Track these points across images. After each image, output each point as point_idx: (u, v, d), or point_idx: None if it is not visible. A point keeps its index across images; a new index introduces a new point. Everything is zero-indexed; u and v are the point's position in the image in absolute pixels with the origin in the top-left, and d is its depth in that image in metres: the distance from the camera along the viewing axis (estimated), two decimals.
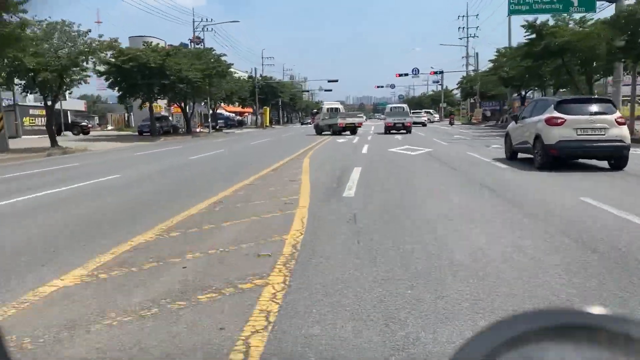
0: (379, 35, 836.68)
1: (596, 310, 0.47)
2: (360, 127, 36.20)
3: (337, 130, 34.41)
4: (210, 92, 43.43)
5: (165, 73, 32.23)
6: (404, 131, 36.44)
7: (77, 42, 22.96)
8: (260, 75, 67.75)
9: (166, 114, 49.98)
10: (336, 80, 67.97)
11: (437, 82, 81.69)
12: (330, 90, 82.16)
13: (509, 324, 0.47)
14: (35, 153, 20.45)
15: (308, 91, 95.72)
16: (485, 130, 40.19)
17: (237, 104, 69.07)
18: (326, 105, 37.26)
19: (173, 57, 34.51)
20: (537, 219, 6.03)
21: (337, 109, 36.71)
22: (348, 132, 34.57)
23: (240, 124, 71.00)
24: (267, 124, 71.03)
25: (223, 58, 42.92)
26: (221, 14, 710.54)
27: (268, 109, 71.86)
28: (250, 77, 67.48)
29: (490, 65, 45.86)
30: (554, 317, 0.47)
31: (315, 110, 39.79)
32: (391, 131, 36.83)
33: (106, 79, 32.84)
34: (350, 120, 35.75)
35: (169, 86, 34.51)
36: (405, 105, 42.33)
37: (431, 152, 17.64)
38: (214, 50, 42.18)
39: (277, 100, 75.72)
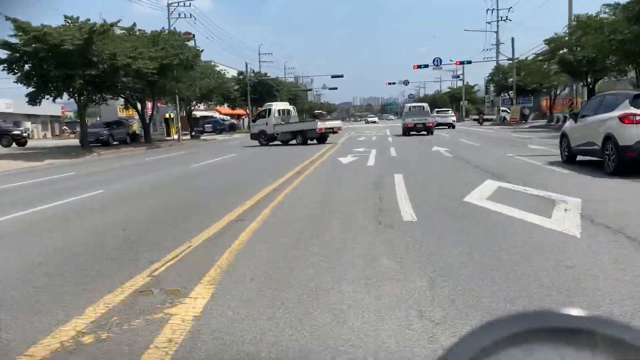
0: (389, 32, 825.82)
1: (579, 312, 0.48)
2: (339, 131, 27.33)
3: (313, 137, 25.41)
4: (178, 88, 33.42)
5: (91, 60, 22.27)
6: (425, 132, 31.97)
7: None
8: (253, 71, 57.86)
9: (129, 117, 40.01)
10: (341, 76, 57.04)
11: (458, 77, 71.38)
12: (336, 89, 72.66)
13: (496, 326, 0.48)
14: None
15: (310, 90, 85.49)
16: (531, 131, 29.94)
17: (226, 105, 59.17)
18: (277, 107, 27.95)
19: (112, 40, 24.62)
20: None
21: (289, 111, 28.32)
22: (315, 141, 25.47)
23: (232, 129, 61.09)
24: None
25: (198, 46, 33.10)
26: (226, 15, 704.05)
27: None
28: (240, 73, 57.52)
29: (539, 49, 35.50)
30: (538, 319, 0.48)
31: (258, 113, 29.80)
32: (411, 132, 32.09)
33: (9, 70, 22.88)
34: (330, 124, 26.29)
35: (105, 80, 24.58)
36: (425, 104, 37.04)
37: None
38: (180, 34, 32.13)
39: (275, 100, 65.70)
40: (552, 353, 0.45)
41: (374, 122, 78.37)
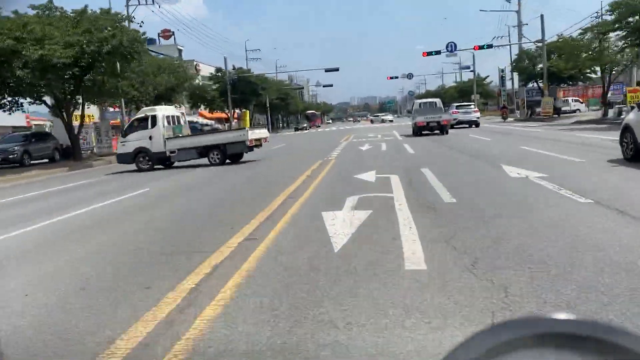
0: (385, 29, 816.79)
1: (573, 317, 0.48)
2: (264, 143, 18.46)
3: (238, 153, 17.22)
4: (119, 86, 25.26)
5: None
6: (438, 131, 27.73)
7: None
8: (234, 67, 49.74)
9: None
10: (336, 69, 48.85)
11: (468, 67, 63.31)
12: (331, 85, 64.52)
13: (493, 332, 0.48)
14: None
15: (302, 88, 77.22)
16: (588, 129, 21.75)
17: (203, 107, 50.99)
18: (163, 112, 18.08)
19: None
20: None
21: (178, 119, 18.77)
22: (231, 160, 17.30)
23: None
24: None
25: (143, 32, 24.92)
26: (221, 20, 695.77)
27: (248, 112, 53.67)
28: (219, 70, 49.38)
29: (587, 23, 27.37)
30: (537, 324, 0.48)
31: (129, 123, 20.56)
32: (423, 132, 27.84)
33: None
34: (258, 134, 17.65)
35: None
36: (437, 100, 32.33)
37: None
38: (119, 14, 23.94)
39: (263, 101, 57.68)
40: (547, 358, 0.45)
41: (390, 120, 69.06)
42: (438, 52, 40.61)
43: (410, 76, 63.82)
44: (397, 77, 63.34)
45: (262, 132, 18.19)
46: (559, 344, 0.46)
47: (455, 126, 32.27)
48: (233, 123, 50.06)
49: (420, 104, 31.32)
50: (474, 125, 32.16)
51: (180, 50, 75.41)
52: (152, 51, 63.99)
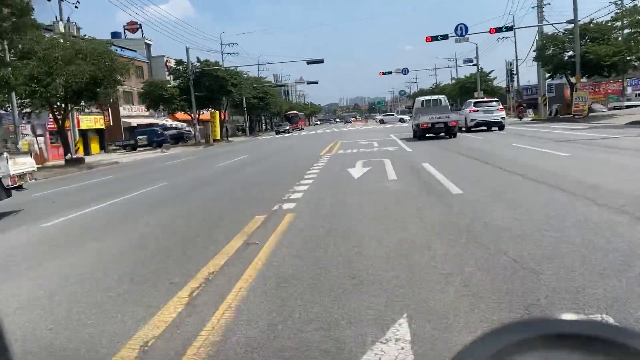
0: (374, 30, 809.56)
1: (581, 318, 0.48)
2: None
3: None
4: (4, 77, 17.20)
5: None
6: (444, 134, 22.12)
7: None
8: (198, 60, 41.60)
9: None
10: (320, 61, 40.69)
11: (471, 61, 55.82)
12: (316, 82, 56.34)
13: (501, 334, 0.48)
14: None
15: (284, 85, 69.17)
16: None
17: (161, 107, 42.85)
18: None
19: None
20: None
21: None
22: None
23: (179, 139, 44.95)
24: (216, 137, 44.83)
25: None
26: (209, 22, 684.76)
27: (217, 113, 45.74)
28: (179, 63, 41.29)
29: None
30: (545, 326, 0.48)
31: None
32: (427, 135, 22.16)
33: None
34: (20, 166, 9.22)
35: None
36: (443, 97, 26.64)
37: None
38: None
39: (236, 99, 49.74)
40: (557, 358, 0.46)
41: (402, 120, 60.04)
42: (445, 37, 32.89)
43: (405, 71, 56.30)
44: (390, 73, 55.92)
45: (24, 164, 9.85)
46: (567, 345, 0.46)
47: (473, 129, 24.70)
48: (197, 127, 41.96)
49: (422, 101, 25.82)
50: (496, 128, 24.57)
51: (148, 45, 67.26)
52: (120, 47, 55.77)
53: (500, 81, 62.19)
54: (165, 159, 26.02)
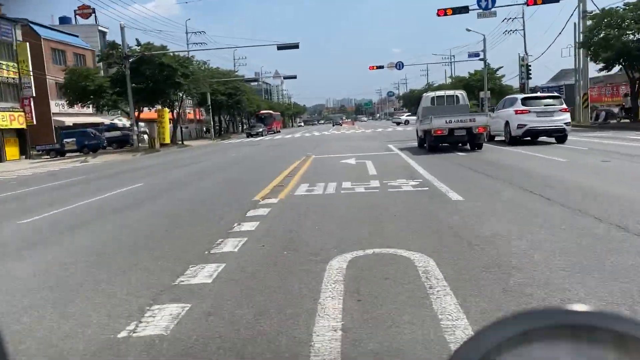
0: (361, 30, 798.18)
1: (590, 309, 0.48)
2: None
3: None
4: None
5: None
6: (469, 146, 16.14)
7: None
8: (139, 43, 32.01)
9: None
10: (295, 46, 31.36)
11: (477, 55, 47.22)
12: (295, 77, 48.46)
13: (506, 324, 0.48)
14: None
15: (257, 80, 59.68)
16: None
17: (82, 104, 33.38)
18: None
19: None
20: None
21: None
22: None
23: (125, 143, 35.42)
24: (165, 141, 35.48)
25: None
26: (195, 19, 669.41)
27: (167, 111, 36.41)
28: (113, 46, 31.82)
29: None
30: (549, 316, 0.48)
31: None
32: (442, 144, 16.04)
33: None
34: None
35: None
36: (461, 93, 19.06)
37: None
38: None
39: (194, 95, 40.49)
40: (563, 349, 0.46)
41: (407, 123, 50.38)
42: (464, 9, 24.16)
43: (399, 65, 47.45)
44: (381, 67, 47.14)
45: None
46: (574, 336, 0.46)
47: (522, 138, 16.02)
48: (137, 128, 32.54)
49: (433, 98, 18.44)
50: (559, 137, 15.80)
51: (103, 33, 57.54)
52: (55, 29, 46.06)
53: (508, 79, 53.85)
54: (65, 174, 16.88)
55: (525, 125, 15.62)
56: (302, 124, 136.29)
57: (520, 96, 16.68)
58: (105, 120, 42.52)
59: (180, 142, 37.83)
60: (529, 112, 15.69)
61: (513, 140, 16.12)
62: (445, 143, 16.14)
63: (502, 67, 51.03)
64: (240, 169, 14.53)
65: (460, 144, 16.40)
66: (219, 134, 55.75)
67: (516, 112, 15.89)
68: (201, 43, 51.75)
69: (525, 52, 45.15)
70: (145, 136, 35.36)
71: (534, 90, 39.07)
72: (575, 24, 28.01)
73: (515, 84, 50.85)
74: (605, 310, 0.46)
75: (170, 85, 31.95)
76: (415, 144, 19.01)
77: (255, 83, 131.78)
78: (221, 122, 59.24)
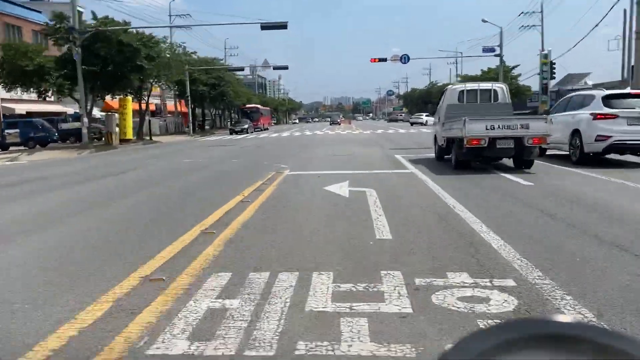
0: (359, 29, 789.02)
1: (572, 320, 0.48)
2: None
3: None
4: None
5: None
6: (516, 164, 10.98)
7: None
8: (95, 17, 26.29)
9: None
10: (284, 26, 25.89)
11: (492, 50, 41.78)
12: (286, 68, 41.90)
13: (487, 334, 0.48)
14: None
15: (242, 69, 53.96)
16: None
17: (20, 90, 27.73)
18: None
19: None
20: None
21: None
22: None
23: (47, 141, 29.30)
24: (127, 136, 29.99)
25: None
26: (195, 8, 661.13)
27: (130, 100, 31.00)
28: (58, 16, 26.17)
29: None
30: (530, 326, 0.48)
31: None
32: (477, 160, 11.00)
33: None
34: None
35: None
36: (500, 87, 13.71)
37: None
38: None
39: (166, 82, 35.06)
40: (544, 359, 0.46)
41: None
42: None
43: (405, 59, 41.93)
44: (384, 60, 41.78)
45: None
46: (555, 347, 0.46)
47: (602, 155, 10.75)
48: (87, 120, 27.02)
49: (461, 92, 13.43)
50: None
51: (80, 13, 51.76)
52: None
53: (524, 79, 48.58)
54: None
55: (609, 137, 10.28)
56: (297, 121, 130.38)
57: (600, 93, 11.28)
58: (70, 109, 36.87)
59: (147, 137, 32.30)
60: (617, 117, 10.35)
61: (584, 158, 10.81)
62: (482, 156, 10.97)
63: (518, 65, 45.56)
64: (150, 201, 9.05)
65: (503, 157, 11.19)
66: (202, 129, 50.18)
67: (596, 116, 10.54)
68: (186, 26, 46.01)
69: (542, 48, 40.11)
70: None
71: (558, 93, 33.74)
72: (625, 10, 22.74)
73: (532, 84, 45.80)
74: (587, 322, 0.46)
75: (132, 70, 26.42)
76: (427, 152, 13.76)
77: (250, 77, 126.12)
78: (204, 116, 53.63)
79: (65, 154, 23.56)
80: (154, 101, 62.17)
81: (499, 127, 10.41)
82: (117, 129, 28.91)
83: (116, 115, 30.91)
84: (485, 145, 10.43)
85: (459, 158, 11.01)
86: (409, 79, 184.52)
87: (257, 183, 9.19)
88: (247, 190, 8.30)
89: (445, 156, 13.27)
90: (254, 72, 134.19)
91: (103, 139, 29.10)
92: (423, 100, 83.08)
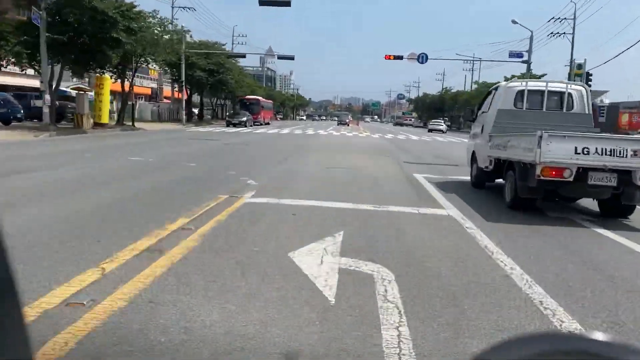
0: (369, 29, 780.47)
1: (598, 336, 0.46)
2: None
3: None
4: None
5: None
6: (614, 212, 6.94)
7: None
8: None
9: None
10: (287, 3, 21.50)
11: (520, 55, 37.55)
12: (292, 58, 37.78)
13: (497, 351, 0.47)
14: None
15: (243, 56, 49.88)
16: None
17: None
18: None
19: None
20: None
21: None
22: None
23: (9, 118, 25.09)
24: (102, 120, 26.06)
25: None
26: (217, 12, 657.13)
27: (109, 79, 27.12)
28: None
29: None
30: (544, 341, 0.47)
31: None
32: (549, 199, 7.10)
33: None
34: None
35: None
36: (577, 89, 9.13)
37: None
38: None
39: (152, 61, 31.20)
40: None
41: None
42: None
43: (422, 58, 37.75)
44: (400, 58, 37.72)
45: None
46: None
47: None
48: (47, 98, 23.11)
49: (520, 93, 9.00)
50: None
51: None
52: None
53: None
54: None
55: None
56: (305, 117, 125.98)
57: None
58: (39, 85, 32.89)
59: (129, 124, 28.35)
60: None
61: None
62: (557, 197, 7.07)
63: (545, 74, 41.23)
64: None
65: (597, 198, 7.22)
66: (200, 119, 46.18)
67: None
68: (190, 8, 42.05)
69: (571, 57, 36.28)
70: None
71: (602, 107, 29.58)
72: None
73: None
74: (615, 339, 0.43)
75: (108, 43, 22.47)
76: (454, 171, 9.97)
77: (260, 68, 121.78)
78: (203, 105, 49.58)
79: (17, 136, 19.62)
80: (151, 85, 58.28)
81: (595, 151, 6.45)
82: (88, 111, 25.01)
83: (90, 94, 27.00)
84: (571, 178, 6.47)
85: (521, 194, 7.02)
86: (421, 83, 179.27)
87: (163, 230, 4.97)
88: (121, 254, 4.17)
89: (487, 182, 9.36)
90: (263, 64, 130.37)
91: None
92: (435, 107, 78.74)
